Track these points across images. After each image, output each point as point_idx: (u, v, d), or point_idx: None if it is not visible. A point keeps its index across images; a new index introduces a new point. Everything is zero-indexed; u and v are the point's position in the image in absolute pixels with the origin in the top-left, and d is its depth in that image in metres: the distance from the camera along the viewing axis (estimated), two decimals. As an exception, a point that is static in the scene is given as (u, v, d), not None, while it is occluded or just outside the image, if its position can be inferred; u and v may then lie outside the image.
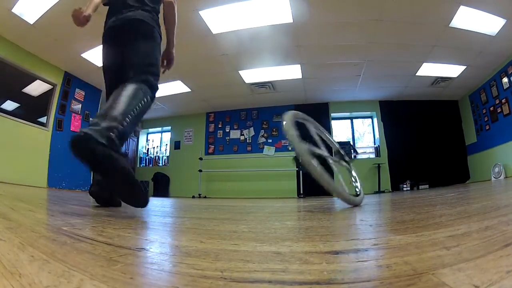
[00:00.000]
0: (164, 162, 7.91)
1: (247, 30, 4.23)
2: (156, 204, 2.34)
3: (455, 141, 6.55)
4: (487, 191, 2.43)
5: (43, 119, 5.17)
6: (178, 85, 5.99)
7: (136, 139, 8.17)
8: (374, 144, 7.08)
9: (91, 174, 1.60)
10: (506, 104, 5.11)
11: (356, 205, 1.69)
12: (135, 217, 1.16)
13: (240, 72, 5.52)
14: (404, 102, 6.68)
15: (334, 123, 7.14)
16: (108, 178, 1.16)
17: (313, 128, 1.81)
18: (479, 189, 2.88)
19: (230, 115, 7.49)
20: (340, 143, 2.20)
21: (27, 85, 4.92)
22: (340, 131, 7.35)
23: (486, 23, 4.01)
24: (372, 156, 6.88)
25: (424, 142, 6.50)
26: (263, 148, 7.12)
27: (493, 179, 5.29)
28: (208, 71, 5.51)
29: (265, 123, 7.26)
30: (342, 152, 2.04)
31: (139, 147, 8.26)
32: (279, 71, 5.51)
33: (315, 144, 1.66)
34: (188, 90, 6.26)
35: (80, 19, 1.62)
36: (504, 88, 5.15)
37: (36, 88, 5.05)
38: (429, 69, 5.36)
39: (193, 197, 6.54)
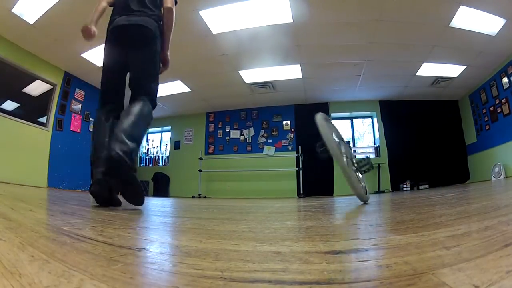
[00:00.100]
0: (164, 162, 7.91)
1: (247, 30, 4.23)
2: (156, 204, 2.34)
3: (455, 141, 6.54)
4: (487, 191, 2.43)
5: (43, 119, 5.17)
6: (178, 85, 5.99)
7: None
8: (374, 144, 7.08)
9: (91, 174, 1.65)
10: (506, 104, 5.11)
11: (366, 202, 2.01)
12: (135, 217, 1.16)
13: (240, 72, 5.51)
14: (404, 102, 6.68)
15: (334, 123, 7.12)
16: (126, 189, 1.49)
17: (335, 131, 2.15)
18: (479, 189, 2.88)
19: (230, 115, 7.49)
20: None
21: (27, 85, 4.92)
22: (340, 131, 7.33)
23: (486, 23, 4.01)
24: (372, 156, 6.87)
25: (424, 142, 6.50)
26: (263, 148, 7.12)
27: (493, 179, 5.29)
28: (208, 71, 5.51)
29: (265, 123, 7.26)
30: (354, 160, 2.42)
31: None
32: (279, 71, 5.50)
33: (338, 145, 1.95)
34: (188, 90, 6.26)
35: (90, 35, 1.77)
36: (504, 88, 5.14)
37: (36, 88, 5.05)
38: (429, 69, 5.36)
39: (193, 197, 6.54)
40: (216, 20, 4.04)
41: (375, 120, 7.03)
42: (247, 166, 6.94)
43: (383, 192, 6.05)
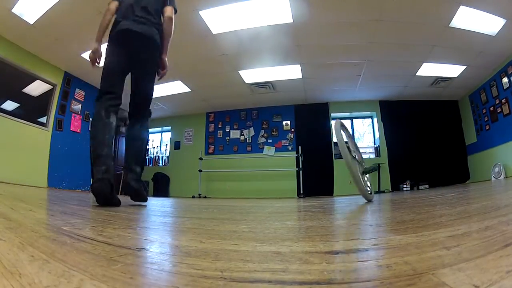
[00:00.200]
0: (164, 162, 7.90)
1: (247, 30, 4.23)
2: (156, 204, 2.34)
3: (455, 141, 6.55)
4: (487, 191, 2.43)
5: (43, 119, 5.17)
6: (178, 85, 5.99)
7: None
8: (374, 144, 7.08)
9: (91, 172, 1.82)
10: (506, 104, 5.11)
11: (370, 200, 2.23)
12: (135, 217, 1.16)
13: (240, 72, 5.51)
14: (404, 102, 6.68)
15: (334, 123, 7.13)
16: (137, 197, 1.89)
17: (347, 136, 2.43)
18: (479, 189, 2.88)
19: (230, 115, 7.49)
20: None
21: (27, 85, 4.92)
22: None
23: (486, 23, 4.01)
24: (372, 156, 6.88)
25: (424, 142, 6.50)
26: (263, 148, 7.12)
27: (493, 179, 5.29)
28: (208, 71, 5.51)
29: (265, 123, 7.26)
30: (362, 160, 2.67)
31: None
32: (279, 71, 5.50)
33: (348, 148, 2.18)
34: (188, 90, 6.26)
35: (96, 61, 2.04)
36: (504, 88, 5.14)
37: (36, 88, 5.05)
38: (429, 69, 5.36)
39: (193, 197, 6.54)
40: (216, 20, 4.04)
41: (375, 120, 7.03)
42: (247, 166, 6.94)
43: (383, 192, 6.05)
